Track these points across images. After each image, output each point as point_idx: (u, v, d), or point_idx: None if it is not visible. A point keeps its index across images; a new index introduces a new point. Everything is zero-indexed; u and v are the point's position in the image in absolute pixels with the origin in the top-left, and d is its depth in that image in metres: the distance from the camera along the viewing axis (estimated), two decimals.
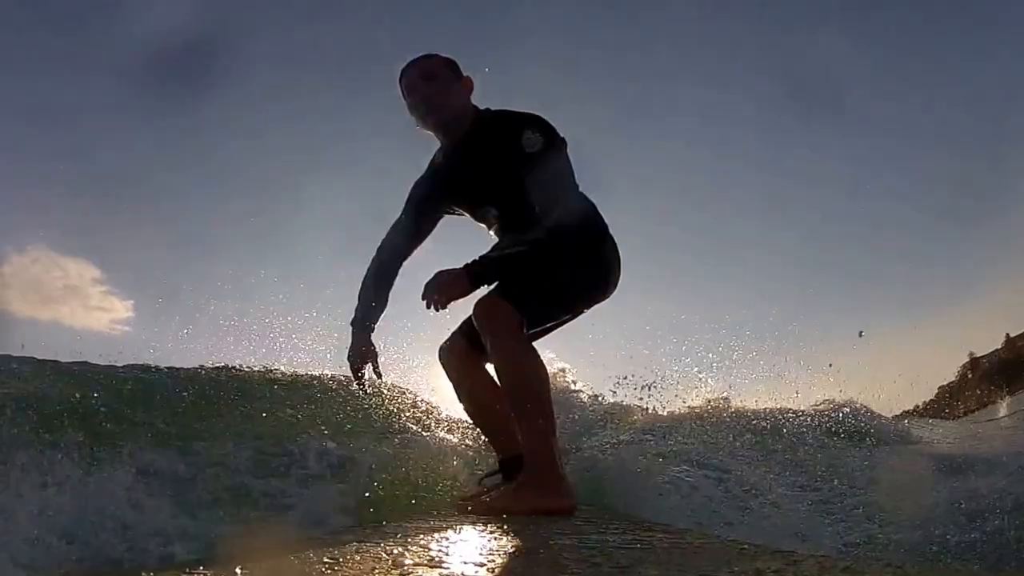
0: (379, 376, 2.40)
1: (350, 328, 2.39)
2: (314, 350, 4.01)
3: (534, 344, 2.20)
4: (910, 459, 4.16)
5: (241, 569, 1.11)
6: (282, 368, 4.07)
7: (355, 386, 2.46)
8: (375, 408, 3.17)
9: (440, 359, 2.42)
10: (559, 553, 1.28)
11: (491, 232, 2.40)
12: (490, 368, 2.30)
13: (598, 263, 2.29)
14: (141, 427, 2.67)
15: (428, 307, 2.13)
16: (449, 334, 2.42)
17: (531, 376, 2.07)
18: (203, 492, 2.21)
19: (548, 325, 2.34)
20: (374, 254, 2.46)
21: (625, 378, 4.38)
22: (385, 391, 2.44)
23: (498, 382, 2.16)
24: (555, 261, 2.14)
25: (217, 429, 2.82)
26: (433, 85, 2.24)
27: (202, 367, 3.93)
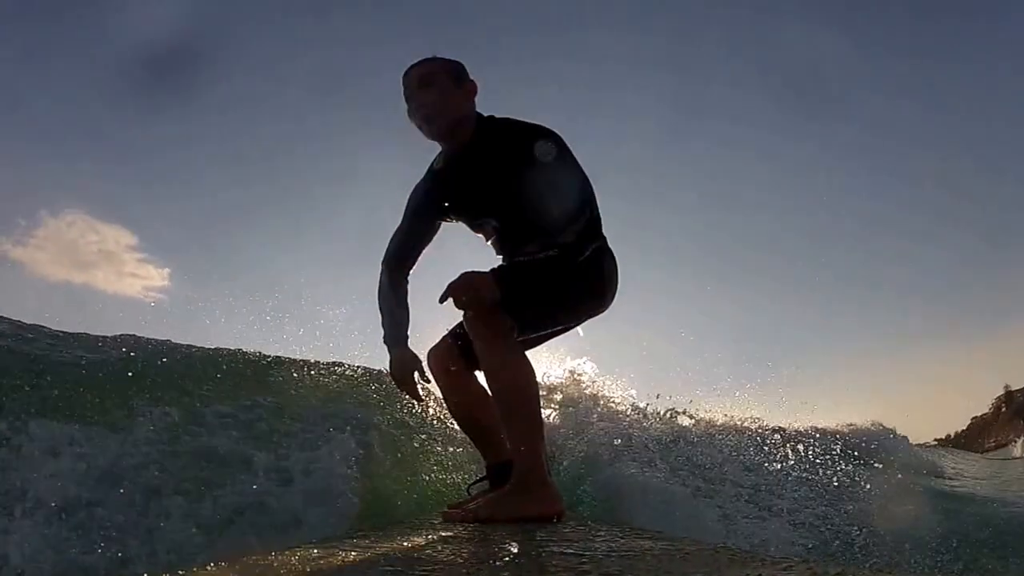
0: (427, 381, 2.34)
1: (386, 347, 2.34)
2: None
3: (526, 352, 2.17)
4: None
5: (227, 570, 1.08)
6: (301, 356, 4.16)
7: (408, 396, 2.37)
8: (357, 408, 3.14)
9: (428, 363, 2.39)
10: (547, 560, 1.25)
11: (488, 243, 2.35)
12: (479, 374, 2.27)
13: (598, 276, 2.22)
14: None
15: (442, 301, 2.02)
16: (439, 339, 2.39)
17: (520, 382, 2.05)
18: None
19: (541, 334, 2.30)
20: (381, 267, 2.39)
21: (657, 396, 4.37)
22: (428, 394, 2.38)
23: (487, 387, 2.14)
24: (555, 272, 2.08)
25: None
26: (430, 92, 2.15)
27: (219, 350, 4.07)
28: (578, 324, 2.33)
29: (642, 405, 4.35)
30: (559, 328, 2.32)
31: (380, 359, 2.45)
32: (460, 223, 2.38)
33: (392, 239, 2.39)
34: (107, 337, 4.21)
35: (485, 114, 2.23)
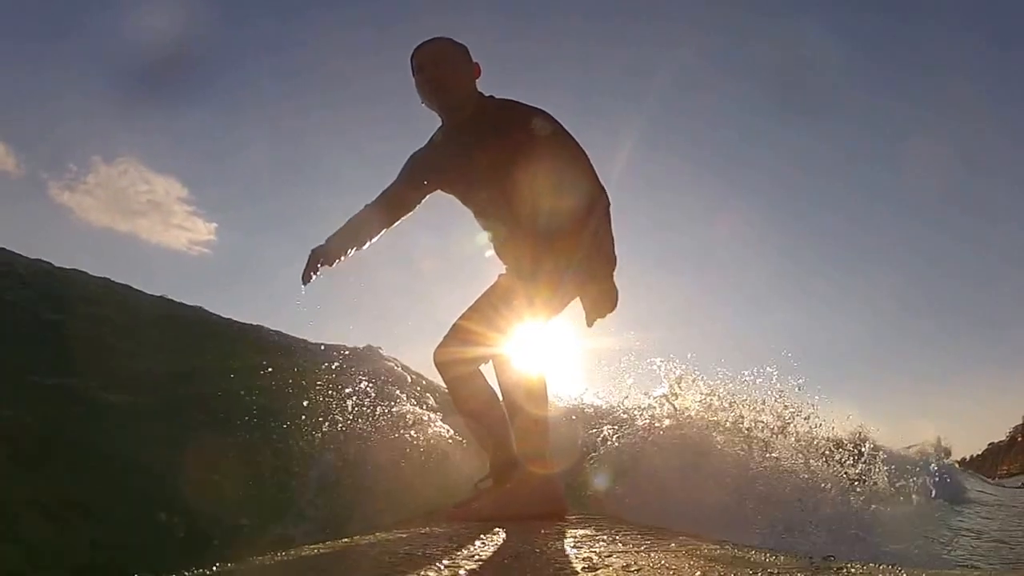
0: (315, 272, 2.45)
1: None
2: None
3: (526, 346, 2.21)
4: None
5: (231, 570, 1.10)
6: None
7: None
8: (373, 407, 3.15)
9: (435, 363, 2.41)
10: (552, 557, 1.27)
11: (477, 217, 2.43)
12: (483, 370, 2.30)
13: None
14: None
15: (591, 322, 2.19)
16: (442, 338, 2.41)
17: (529, 381, 2.08)
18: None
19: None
20: (361, 209, 2.50)
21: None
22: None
23: (496, 385, 2.17)
24: (558, 261, 2.18)
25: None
26: (441, 67, 2.26)
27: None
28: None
29: (664, 405, 4.26)
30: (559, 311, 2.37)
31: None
32: (452, 196, 2.45)
33: (378, 196, 2.49)
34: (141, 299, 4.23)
35: (486, 94, 2.33)
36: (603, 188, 2.23)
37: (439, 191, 2.47)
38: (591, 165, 2.23)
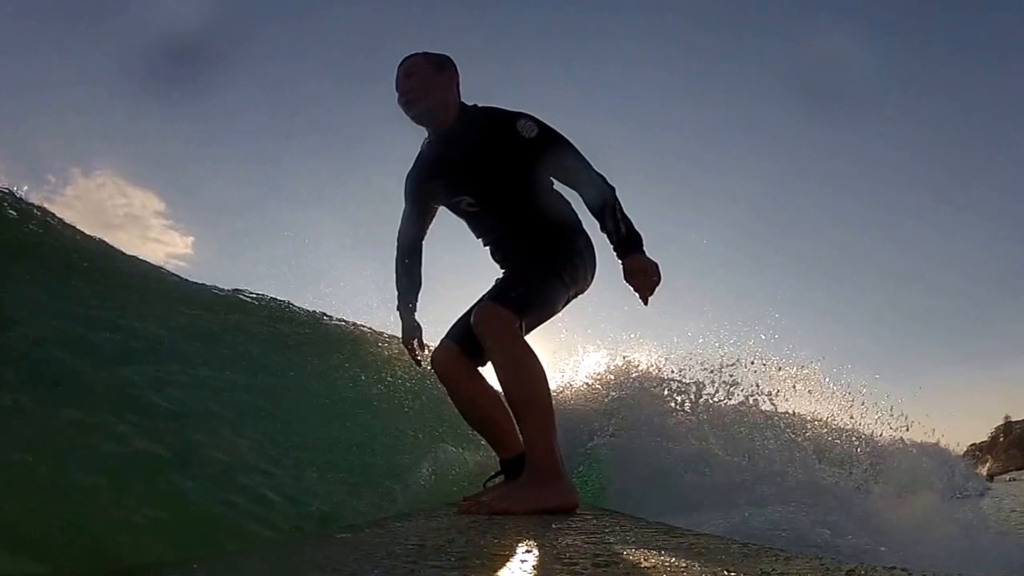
0: (422, 348, 2.62)
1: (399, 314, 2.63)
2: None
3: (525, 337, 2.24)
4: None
5: (236, 563, 1.10)
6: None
7: (410, 359, 2.68)
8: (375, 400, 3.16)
9: (434, 367, 2.42)
10: (563, 552, 1.26)
11: (472, 227, 2.48)
12: (483, 371, 2.32)
13: (583, 260, 2.39)
14: None
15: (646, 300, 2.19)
16: (439, 341, 2.44)
17: (533, 377, 2.08)
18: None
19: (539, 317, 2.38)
20: (396, 247, 2.62)
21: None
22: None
23: (497, 384, 2.16)
24: (551, 260, 2.26)
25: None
26: (412, 79, 2.32)
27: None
28: (564, 307, 2.46)
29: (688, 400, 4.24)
30: (554, 312, 2.42)
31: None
32: (441, 206, 2.52)
33: (402, 221, 2.61)
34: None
35: (469, 103, 2.38)
36: (603, 176, 2.25)
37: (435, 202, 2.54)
38: (584, 157, 2.26)
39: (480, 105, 2.38)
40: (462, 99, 2.39)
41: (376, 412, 3.11)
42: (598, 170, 2.28)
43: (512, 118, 2.27)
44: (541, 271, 2.26)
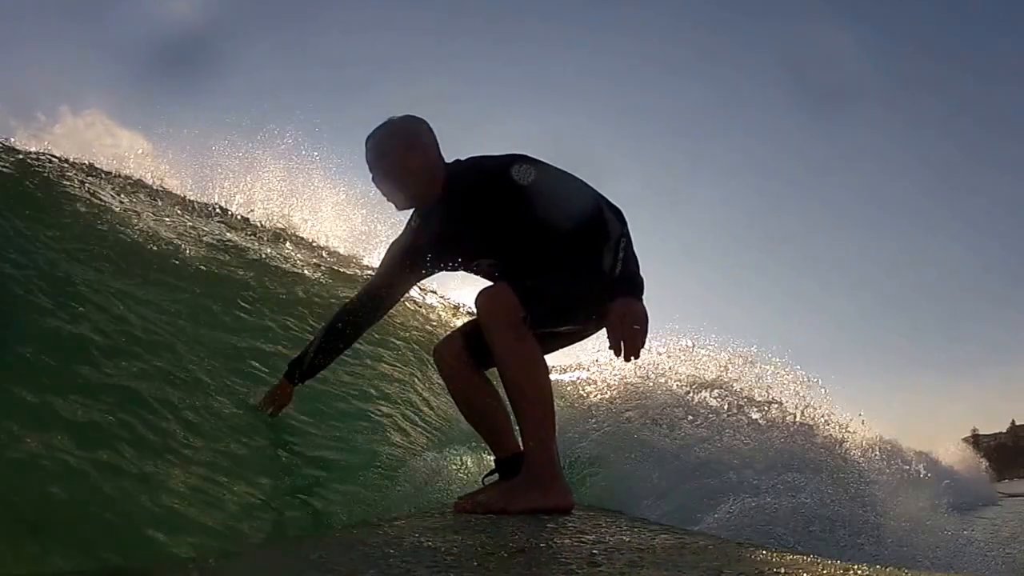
0: (277, 412, 2.47)
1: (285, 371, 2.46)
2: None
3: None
4: None
5: (234, 564, 1.10)
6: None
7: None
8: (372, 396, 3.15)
9: (435, 358, 2.39)
10: (559, 551, 1.26)
11: (483, 277, 2.35)
12: (487, 372, 2.28)
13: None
14: None
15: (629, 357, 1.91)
16: (449, 333, 2.40)
17: (533, 373, 2.04)
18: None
19: (555, 334, 2.27)
20: (339, 311, 2.47)
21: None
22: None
23: (500, 379, 2.14)
24: (571, 273, 2.12)
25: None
26: (384, 162, 2.20)
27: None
28: (591, 329, 2.28)
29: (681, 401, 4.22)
30: (574, 330, 2.29)
31: None
32: (446, 271, 2.38)
33: (359, 294, 2.47)
34: None
35: (450, 160, 2.25)
36: (612, 206, 2.10)
37: (431, 273, 2.41)
38: (589, 187, 2.13)
39: (463, 160, 2.25)
40: (444, 158, 2.24)
41: (375, 410, 3.10)
42: (610, 198, 2.10)
43: (505, 168, 2.11)
44: (562, 273, 2.13)
